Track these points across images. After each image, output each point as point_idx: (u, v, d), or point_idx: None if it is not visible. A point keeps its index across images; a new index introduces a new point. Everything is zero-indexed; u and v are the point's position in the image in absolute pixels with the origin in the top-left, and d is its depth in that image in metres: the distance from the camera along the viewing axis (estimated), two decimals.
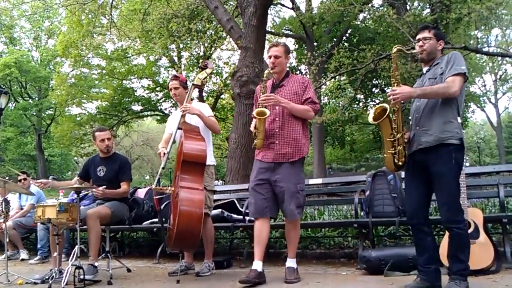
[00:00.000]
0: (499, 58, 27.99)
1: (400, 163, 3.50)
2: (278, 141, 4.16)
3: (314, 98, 4.23)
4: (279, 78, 4.33)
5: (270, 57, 4.27)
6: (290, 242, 4.29)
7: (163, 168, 4.58)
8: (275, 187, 4.14)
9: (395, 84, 3.46)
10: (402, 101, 3.43)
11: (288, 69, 4.44)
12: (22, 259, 6.85)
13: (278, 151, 4.15)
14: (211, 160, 4.77)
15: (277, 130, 4.18)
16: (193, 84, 4.86)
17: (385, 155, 3.56)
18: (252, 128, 4.20)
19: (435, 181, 3.37)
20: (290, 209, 4.09)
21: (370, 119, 3.51)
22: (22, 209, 7.29)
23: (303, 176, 4.28)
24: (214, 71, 23.74)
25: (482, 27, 17.38)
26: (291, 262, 4.21)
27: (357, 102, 25.04)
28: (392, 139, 3.45)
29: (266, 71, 4.32)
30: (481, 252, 3.99)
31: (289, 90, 4.24)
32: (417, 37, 3.58)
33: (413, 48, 3.67)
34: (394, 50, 3.57)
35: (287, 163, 4.14)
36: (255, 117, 4.09)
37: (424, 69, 3.62)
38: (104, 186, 4.97)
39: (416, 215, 3.50)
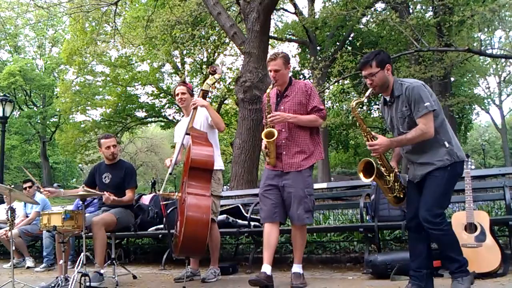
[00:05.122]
0: (503, 60, 27.89)
1: (401, 196, 3.57)
2: (286, 152, 4.19)
3: (319, 105, 4.25)
4: (283, 88, 4.33)
5: (270, 71, 4.28)
6: (296, 248, 4.28)
7: (170, 174, 4.59)
8: (283, 192, 4.16)
9: (368, 137, 3.46)
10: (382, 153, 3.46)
11: (290, 75, 4.45)
12: (28, 267, 6.84)
13: (285, 161, 4.18)
14: (218, 165, 4.74)
15: (283, 141, 4.21)
16: (201, 90, 4.86)
17: (387, 198, 3.64)
18: (263, 147, 4.27)
19: (426, 181, 3.38)
20: (297, 214, 4.09)
21: (363, 179, 3.51)
22: (27, 216, 7.29)
23: (311, 181, 4.29)
24: None
25: (485, 29, 17.36)
26: (297, 268, 4.21)
27: (360, 106, 24.95)
28: (389, 186, 3.51)
29: (270, 87, 4.32)
30: (488, 255, 3.97)
31: (294, 101, 4.25)
32: (363, 73, 3.53)
33: (367, 88, 3.57)
34: (353, 104, 3.56)
35: (295, 171, 4.16)
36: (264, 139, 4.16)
37: (386, 98, 3.57)
38: (113, 196, 4.97)
39: (414, 219, 3.46)
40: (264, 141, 4.18)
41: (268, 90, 4.32)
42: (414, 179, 3.51)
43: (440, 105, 3.48)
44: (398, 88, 3.44)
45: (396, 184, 3.52)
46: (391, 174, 3.50)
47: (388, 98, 3.55)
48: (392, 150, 3.79)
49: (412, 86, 3.36)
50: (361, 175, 3.51)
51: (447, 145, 3.35)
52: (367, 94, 3.60)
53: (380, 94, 3.64)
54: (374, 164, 3.42)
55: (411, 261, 3.53)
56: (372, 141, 3.43)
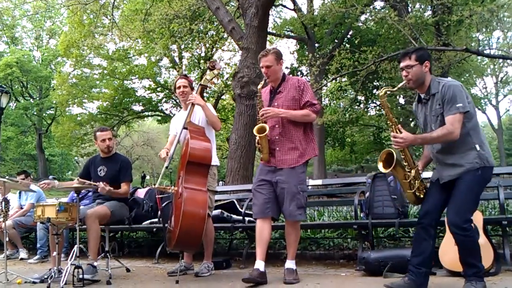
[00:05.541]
0: (500, 60, 27.96)
1: (422, 196, 3.54)
2: (279, 148, 4.20)
3: (312, 99, 4.24)
4: (276, 84, 4.34)
5: (262, 67, 4.30)
6: (289, 244, 4.28)
7: (166, 167, 4.58)
8: (276, 187, 4.16)
9: (394, 128, 3.46)
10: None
11: (284, 72, 4.45)
12: (22, 258, 6.84)
13: (279, 157, 4.19)
14: (214, 161, 4.74)
15: (277, 137, 4.21)
16: (200, 85, 4.86)
17: (405, 194, 3.61)
18: (257, 143, 4.27)
19: (456, 184, 3.35)
20: (289, 210, 4.10)
21: (381, 168, 3.50)
22: (22, 208, 7.28)
23: (305, 177, 4.30)
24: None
25: (484, 30, 17.32)
26: (290, 264, 4.22)
27: (357, 104, 25.05)
28: (408, 180, 3.48)
29: (261, 82, 4.35)
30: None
31: (287, 97, 4.25)
32: (400, 65, 3.53)
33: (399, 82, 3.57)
34: (382, 92, 3.54)
35: (288, 167, 4.17)
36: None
37: (422, 95, 3.55)
38: (108, 186, 4.94)
39: (429, 214, 3.46)
40: (256, 136, 4.19)
41: (259, 86, 4.33)
42: (440, 179, 3.48)
43: (475, 108, 3.46)
44: (435, 86, 3.42)
45: (416, 181, 3.49)
46: (412, 170, 3.47)
47: (423, 96, 3.53)
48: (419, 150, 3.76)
49: (449, 85, 3.36)
50: (380, 164, 3.50)
51: (478, 148, 3.33)
52: (399, 85, 3.62)
53: (390, 94, 3.62)
54: (395, 154, 3.41)
55: (412, 256, 3.52)
56: (397, 133, 3.43)
